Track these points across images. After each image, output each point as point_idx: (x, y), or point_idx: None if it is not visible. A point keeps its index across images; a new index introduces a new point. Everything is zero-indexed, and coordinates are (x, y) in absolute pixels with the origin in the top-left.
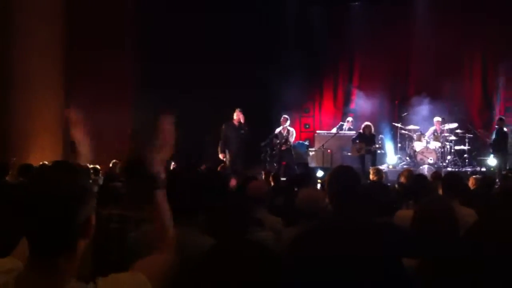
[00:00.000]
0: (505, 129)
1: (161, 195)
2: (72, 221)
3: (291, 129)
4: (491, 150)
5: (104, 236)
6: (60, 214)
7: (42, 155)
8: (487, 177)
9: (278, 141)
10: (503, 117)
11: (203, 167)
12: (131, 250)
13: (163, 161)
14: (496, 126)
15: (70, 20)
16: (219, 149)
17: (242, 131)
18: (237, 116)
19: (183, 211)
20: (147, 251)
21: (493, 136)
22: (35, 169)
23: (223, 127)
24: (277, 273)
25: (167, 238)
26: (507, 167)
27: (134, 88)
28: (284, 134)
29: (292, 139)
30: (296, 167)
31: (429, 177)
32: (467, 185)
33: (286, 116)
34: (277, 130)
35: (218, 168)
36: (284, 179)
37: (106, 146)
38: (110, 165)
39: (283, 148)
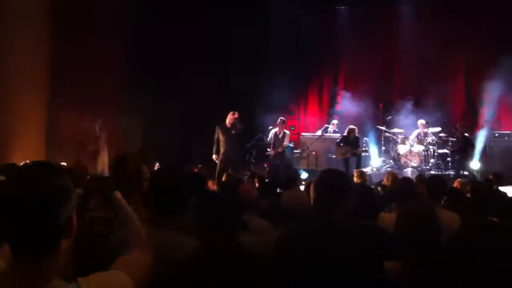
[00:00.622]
0: (466, 134)
1: (119, 198)
2: (54, 220)
3: (287, 131)
4: (456, 156)
5: (87, 239)
6: (42, 213)
7: (25, 154)
8: (472, 182)
9: (272, 143)
10: (465, 124)
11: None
12: (113, 252)
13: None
14: (459, 133)
15: (55, 18)
16: (213, 150)
17: (233, 131)
18: (229, 120)
19: (166, 211)
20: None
21: (460, 142)
22: (14, 169)
23: (216, 128)
24: (258, 277)
25: (144, 237)
26: (473, 171)
27: (122, 87)
28: (280, 136)
29: (287, 141)
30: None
31: (413, 179)
32: (451, 188)
33: (282, 118)
34: (272, 132)
35: (195, 170)
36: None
37: (92, 147)
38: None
39: (279, 150)
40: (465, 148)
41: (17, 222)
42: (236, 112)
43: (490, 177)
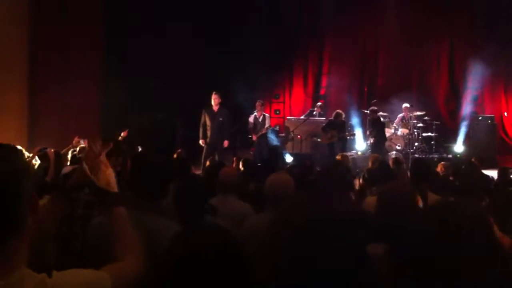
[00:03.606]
0: (381, 119)
1: (120, 213)
2: (19, 199)
3: (267, 114)
4: (370, 141)
5: (68, 222)
6: (5, 193)
7: (6, 137)
8: (454, 164)
9: (253, 127)
10: (375, 108)
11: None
12: (93, 236)
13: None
14: (369, 118)
15: (35, 1)
16: (200, 135)
17: (221, 119)
18: (214, 101)
19: (147, 196)
20: (109, 239)
21: (372, 128)
22: None
23: (202, 112)
24: (240, 261)
25: (138, 247)
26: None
27: (103, 68)
28: (260, 120)
29: (268, 123)
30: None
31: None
32: (436, 172)
33: (261, 101)
34: (252, 117)
35: (175, 155)
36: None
37: (73, 127)
38: (77, 149)
39: (262, 132)
40: (381, 131)
41: None
42: (217, 96)
43: (473, 160)
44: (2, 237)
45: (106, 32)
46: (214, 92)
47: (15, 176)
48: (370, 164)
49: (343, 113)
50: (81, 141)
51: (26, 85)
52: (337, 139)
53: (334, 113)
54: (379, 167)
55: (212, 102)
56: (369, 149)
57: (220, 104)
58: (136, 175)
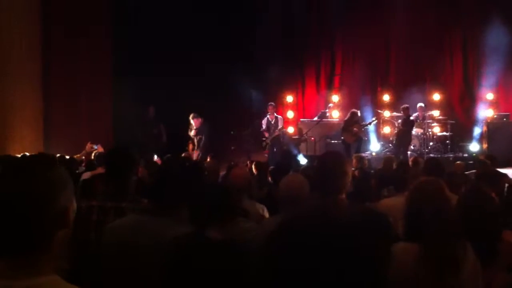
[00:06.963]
0: (411, 117)
1: None
2: (46, 213)
3: (279, 116)
4: (396, 142)
5: (84, 228)
6: (31, 207)
7: (22, 146)
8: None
9: (271, 129)
10: (407, 106)
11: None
12: (107, 241)
13: None
14: (402, 115)
15: (46, 12)
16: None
17: (200, 136)
18: (194, 124)
19: (168, 204)
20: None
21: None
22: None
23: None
24: (241, 266)
25: None
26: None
27: (113, 76)
28: (273, 122)
29: (281, 124)
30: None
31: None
32: (451, 171)
33: (272, 103)
34: (264, 120)
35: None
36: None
37: (86, 134)
38: (92, 156)
39: (276, 134)
40: (406, 129)
41: (5, 220)
42: (195, 119)
43: (482, 158)
44: (29, 245)
45: (115, 42)
46: (191, 116)
47: (45, 189)
48: (383, 165)
49: (358, 111)
50: (94, 146)
51: (41, 98)
52: (362, 130)
53: (349, 113)
54: (399, 168)
55: (192, 122)
56: (383, 150)
57: (203, 121)
58: (157, 185)
